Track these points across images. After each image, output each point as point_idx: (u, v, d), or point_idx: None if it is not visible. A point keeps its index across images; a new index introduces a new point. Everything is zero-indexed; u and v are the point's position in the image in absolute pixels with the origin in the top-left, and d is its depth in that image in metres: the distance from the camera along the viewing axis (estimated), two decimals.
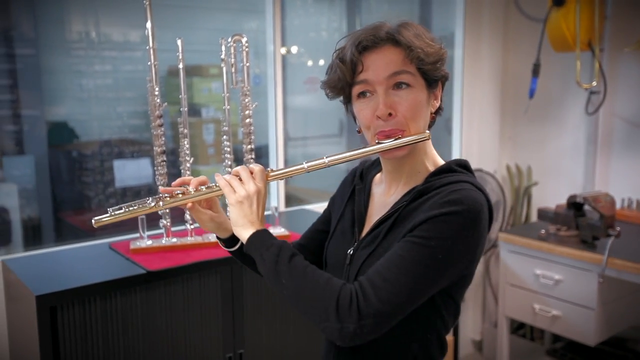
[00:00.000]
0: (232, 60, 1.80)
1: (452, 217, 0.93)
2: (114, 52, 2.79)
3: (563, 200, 2.61)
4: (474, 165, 2.99)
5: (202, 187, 1.08)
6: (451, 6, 3.14)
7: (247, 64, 1.82)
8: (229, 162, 1.87)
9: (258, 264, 1.01)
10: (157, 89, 1.71)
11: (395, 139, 1.00)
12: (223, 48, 1.79)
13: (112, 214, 1.06)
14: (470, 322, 3.23)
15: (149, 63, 1.69)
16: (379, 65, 1.00)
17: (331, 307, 0.91)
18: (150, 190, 2.79)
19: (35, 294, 1.42)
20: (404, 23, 1.03)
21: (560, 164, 2.99)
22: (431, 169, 1.07)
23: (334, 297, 0.92)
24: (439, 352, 1.06)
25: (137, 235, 1.82)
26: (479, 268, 3.23)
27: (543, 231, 2.51)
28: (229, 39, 1.79)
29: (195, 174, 1.81)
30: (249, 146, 1.87)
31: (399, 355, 1.03)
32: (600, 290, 2.28)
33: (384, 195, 1.11)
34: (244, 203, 1.01)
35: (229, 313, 1.73)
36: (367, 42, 1.00)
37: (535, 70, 2.69)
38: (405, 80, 1.00)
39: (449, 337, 2.72)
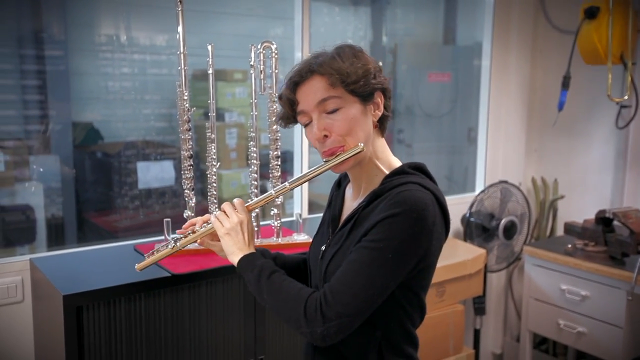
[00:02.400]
0: (261, 66, 1.80)
1: (396, 218, 1.03)
2: (140, 55, 2.82)
3: (589, 215, 2.56)
4: (498, 177, 3.01)
5: (205, 224, 1.25)
6: (478, 16, 3.12)
7: (276, 71, 1.82)
8: (255, 168, 1.86)
9: (247, 283, 1.16)
10: (186, 93, 1.72)
11: (336, 156, 1.13)
12: (252, 54, 1.79)
13: (148, 257, 1.29)
14: (491, 334, 3.18)
15: (179, 68, 1.69)
16: (308, 96, 1.12)
17: (301, 315, 1.05)
18: (173, 192, 2.81)
19: (62, 294, 1.42)
20: (336, 49, 1.14)
21: (587, 178, 2.94)
22: (386, 171, 1.17)
23: (302, 306, 1.06)
24: (406, 343, 1.15)
25: (162, 237, 1.83)
26: (502, 281, 3.18)
27: (570, 246, 2.46)
28: (259, 46, 1.79)
29: (218, 178, 1.82)
30: (275, 152, 1.87)
31: (364, 342, 1.13)
32: (629, 308, 2.23)
33: (351, 200, 1.24)
34: (231, 234, 1.18)
35: (250, 318, 1.72)
36: (296, 78, 1.13)
37: (565, 83, 2.65)
38: (334, 105, 1.11)
39: (469, 351, 2.69)
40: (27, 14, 2.55)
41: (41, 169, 2.56)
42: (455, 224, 2.96)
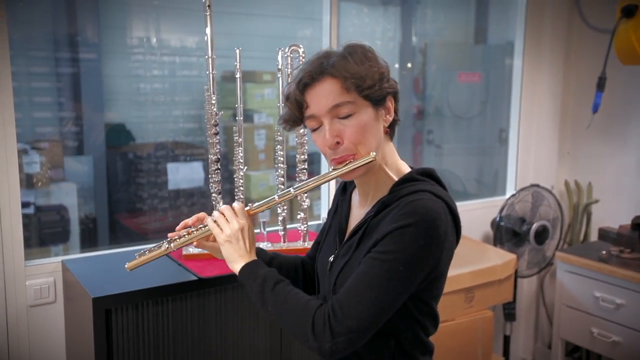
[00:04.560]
0: (289, 70, 1.79)
1: (407, 229, 1.00)
2: (170, 57, 2.86)
3: (625, 220, 2.48)
4: (530, 180, 2.94)
5: (200, 225, 1.22)
6: (510, 15, 3.06)
7: None
8: (282, 172, 1.87)
9: (249, 293, 1.12)
10: (214, 97, 1.73)
11: (345, 165, 1.08)
12: (280, 58, 1.79)
13: (138, 258, 1.24)
14: (521, 341, 3.12)
15: (207, 72, 1.70)
16: (320, 100, 1.06)
17: (308, 329, 1.01)
18: (202, 193, 2.83)
19: (92, 296, 1.45)
20: (346, 48, 1.09)
21: (623, 182, 2.85)
22: (395, 178, 1.13)
23: (309, 321, 1.02)
24: (420, 351, 1.12)
25: None
26: (533, 286, 3.12)
27: (604, 252, 2.39)
28: (286, 49, 1.79)
29: (246, 179, 1.83)
30: (302, 156, 1.86)
31: (378, 352, 1.10)
32: None
33: (359, 207, 1.19)
34: (232, 241, 1.13)
35: (264, 319, 1.72)
36: (306, 80, 1.07)
37: (601, 84, 2.57)
38: (347, 110, 1.06)
39: (499, 358, 2.64)
40: (63, 18, 2.60)
41: (75, 170, 2.61)
42: (485, 228, 2.91)
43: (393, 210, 1.04)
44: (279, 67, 1.80)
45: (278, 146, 1.86)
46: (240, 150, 1.81)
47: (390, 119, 1.13)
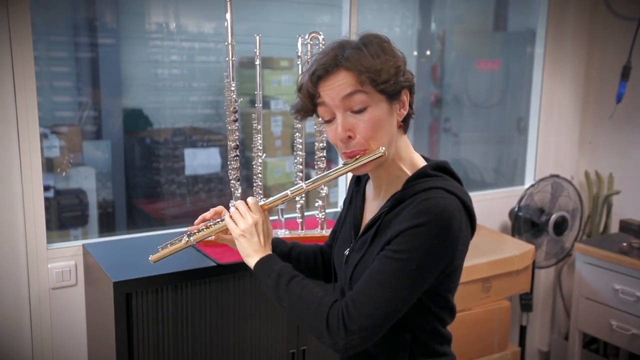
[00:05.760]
0: (308, 57, 1.78)
1: (420, 229, 0.99)
2: (188, 43, 2.85)
3: None
4: (549, 170, 2.90)
5: (218, 219, 1.24)
6: (531, 2, 3.00)
7: None
8: (300, 159, 1.86)
9: (264, 288, 1.13)
10: (233, 84, 1.72)
11: (355, 160, 1.07)
12: (299, 45, 1.78)
13: (161, 250, 1.27)
14: (537, 331, 3.11)
15: (227, 59, 1.70)
16: (333, 91, 1.04)
17: (322, 327, 1.03)
18: (219, 179, 2.84)
19: (113, 280, 1.47)
20: (361, 39, 1.06)
21: None
22: (409, 172, 1.12)
23: (323, 318, 1.03)
24: (437, 342, 1.13)
25: None
26: (550, 277, 3.09)
27: (625, 244, 2.36)
28: (306, 36, 1.77)
29: (262, 166, 1.83)
30: (321, 144, 1.86)
31: (395, 345, 1.11)
32: None
33: (374, 200, 1.18)
34: (246, 235, 1.15)
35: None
36: (320, 72, 1.05)
37: (625, 73, 2.53)
38: (361, 103, 1.04)
39: (515, 348, 2.63)
40: (82, 3, 2.61)
41: (93, 155, 2.63)
42: (503, 218, 2.88)
43: (406, 208, 1.04)
44: (299, 54, 1.79)
45: (297, 133, 1.85)
46: (259, 137, 1.81)
47: (405, 113, 1.11)
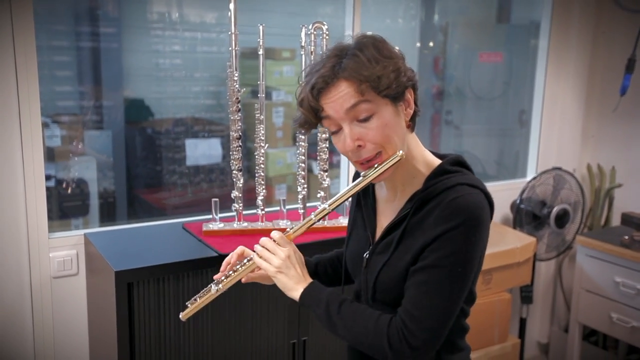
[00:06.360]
0: (312, 47, 1.77)
1: (456, 231, 0.99)
2: (190, 32, 2.84)
3: None
4: (552, 163, 2.90)
5: (245, 260, 1.19)
6: None
7: None
8: (303, 150, 1.86)
9: (315, 318, 1.12)
10: (236, 74, 1.71)
11: (375, 169, 1.06)
12: (303, 35, 1.76)
13: (191, 306, 1.21)
14: (537, 324, 3.12)
15: (230, 48, 1.69)
16: (336, 103, 1.02)
17: (385, 347, 1.02)
18: (221, 170, 2.84)
19: (114, 270, 1.47)
20: (356, 45, 1.03)
21: None
22: (423, 170, 1.10)
23: (384, 340, 1.02)
24: (459, 336, 1.14)
25: (210, 217, 1.85)
26: (551, 270, 3.09)
27: (626, 237, 2.36)
28: (310, 27, 1.76)
29: (265, 157, 1.82)
30: (324, 135, 1.85)
31: None
32: None
33: (388, 201, 1.16)
34: (283, 271, 1.12)
35: (295, 300, 1.73)
36: (320, 85, 1.02)
37: (630, 66, 2.51)
38: (365, 111, 1.02)
39: (515, 340, 2.64)
40: None
41: (94, 144, 2.63)
42: (505, 210, 2.88)
43: (435, 210, 1.03)
44: (302, 44, 1.78)
45: None
46: (261, 128, 1.80)
47: (411, 111, 1.09)
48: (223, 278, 1.21)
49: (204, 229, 1.79)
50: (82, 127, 2.52)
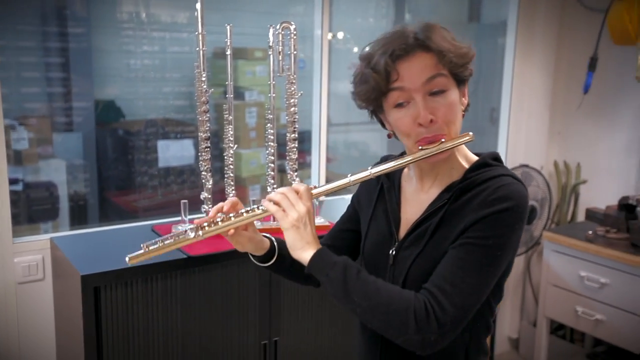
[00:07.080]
0: (280, 47, 1.78)
1: (504, 215, 0.97)
2: (161, 32, 2.82)
3: (613, 201, 2.51)
4: (519, 160, 2.95)
5: (242, 211, 1.07)
6: None
7: (295, 52, 1.79)
8: (272, 150, 1.86)
9: (323, 284, 1.01)
10: (204, 75, 1.71)
11: (439, 144, 1.01)
12: (271, 35, 1.77)
13: (147, 249, 1.04)
14: (507, 319, 3.17)
15: (197, 49, 1.69)
16: (414, 73, 1.00)
17: (410, 320, 0.94)
18: (192, 171, 2.82)
19: (80, 273, 1.45)
20: (428, 26, 1.02)
21: (612, 163, 2.87)
22: (464, 163, 1.09)
23: (410, 311, 0.94)
24: (484, 336, 1.11)
25: (179, 218, 1.85)
26: (520, 266, 3.15)
27: (590, 232, 2.42)
28: (277, 26, 1.77)
29: (237, 157, 1.82)
30: (293, 135, 1.86)
31: (453, 346, 1.04)
32: None
33: (417, 193, 1.12)
34: (299, 226, 1.02)
35: (265, 301, 1.74)
36: (400, 51, 1.00)
37: (592, 64, 2.58)
38: (441, 85, 1.01)
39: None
40: None
41: (64, 147, 2.59)
42: None
43: (478, 196, 1.00)
44: (270, 44, 1.78)
45: (268, 124, 1.85)
46: (230, 128, 1.80)
47: (466, 102, 1.09)
48: (205, 224, 1.06)
49: (174, 230, 1.78)
50: (51, 129, 2.49)
